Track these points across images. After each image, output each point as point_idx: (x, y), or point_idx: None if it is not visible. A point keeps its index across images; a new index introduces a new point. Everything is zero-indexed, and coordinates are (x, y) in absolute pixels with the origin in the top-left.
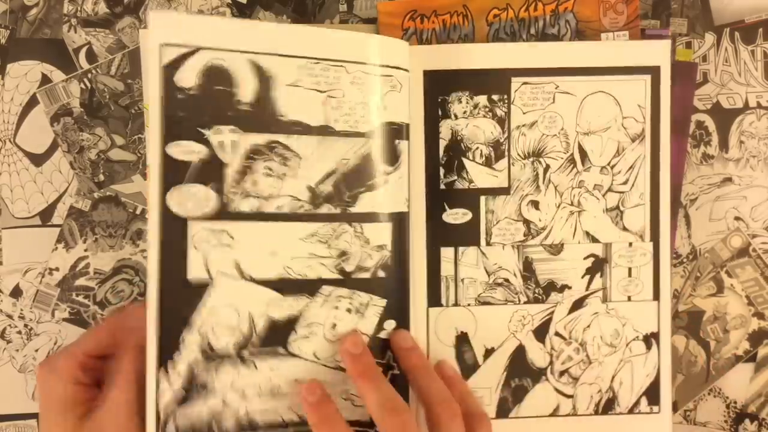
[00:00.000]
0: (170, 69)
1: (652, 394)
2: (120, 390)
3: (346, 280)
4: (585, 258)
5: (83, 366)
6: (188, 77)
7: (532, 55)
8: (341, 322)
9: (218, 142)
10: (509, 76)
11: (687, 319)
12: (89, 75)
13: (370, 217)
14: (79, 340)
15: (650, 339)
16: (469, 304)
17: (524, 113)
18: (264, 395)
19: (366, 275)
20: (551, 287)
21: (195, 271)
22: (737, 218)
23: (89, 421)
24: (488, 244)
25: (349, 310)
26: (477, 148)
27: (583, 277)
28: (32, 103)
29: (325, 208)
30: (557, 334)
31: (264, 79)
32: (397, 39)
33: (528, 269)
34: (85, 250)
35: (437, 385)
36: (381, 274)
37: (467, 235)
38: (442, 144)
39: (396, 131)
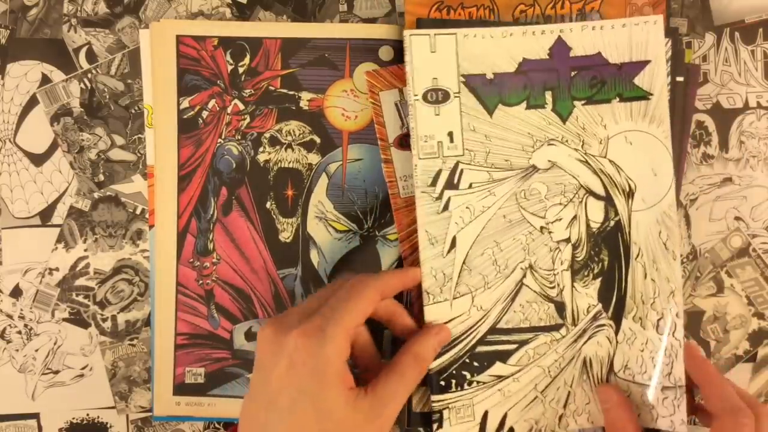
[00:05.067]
0: None
1: None
2: (398, 409)
3: None
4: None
5: (350, 339)
6: None
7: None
8: None
9: None
10: None
11: (687, 319)
12: (89, 75)
13: None
14: (343, 308)
15: None
16: None
17: None
18: None
19: None
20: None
21: None
22: (737, 218)
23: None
24: None
25: None
26: None
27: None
28: (32, 103)
29: None
30: None
31: None
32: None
33: None
34: (85, 250)
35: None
36: None
37: None
38: None
39: None
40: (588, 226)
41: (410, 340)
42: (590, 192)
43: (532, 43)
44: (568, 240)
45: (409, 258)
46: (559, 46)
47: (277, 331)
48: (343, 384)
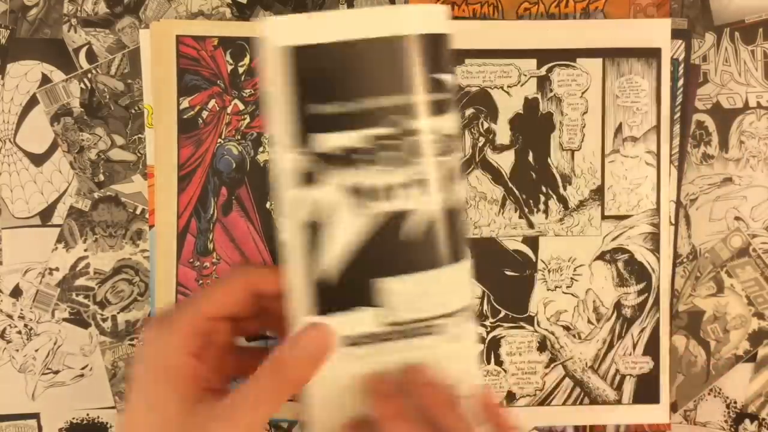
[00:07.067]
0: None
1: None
2: (250, 423)
3: None
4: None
5: (203, 332)
6: None
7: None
8: None
9: None
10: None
11: (687, 319)
12: (89, 75)
13: None
14: (200, 298)
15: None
16: None
17: None
18: None
19: None
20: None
21: None
22: (737, 218)
23: (200, 420)
24: None
25: None
26: None
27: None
28: (32, 103)
29: None
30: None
31: None
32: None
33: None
34: (85, 250)
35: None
36: None
37: None
38: None
39: None
40: None
41: (281, 344)
42: None
43: None
44: None
45: None
46: None
47: (145, 322)
48: (179, 380)
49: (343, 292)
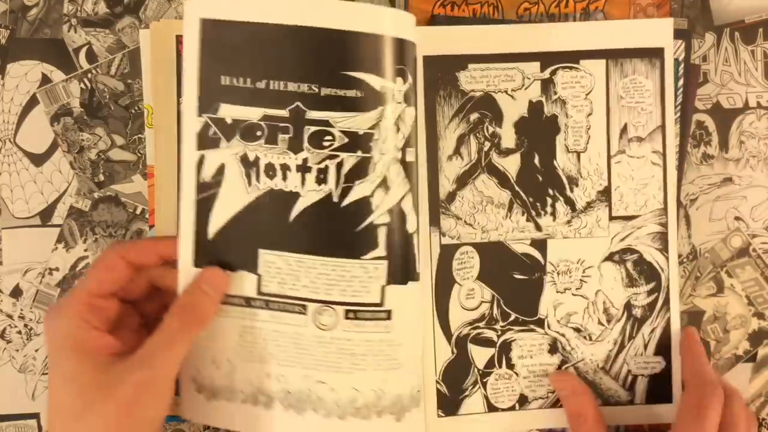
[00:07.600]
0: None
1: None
2: (166, 362)
3: None
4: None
5: (92, 308)
6: None
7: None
8: None
9: None
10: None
11: (687, 319)
12: (89, 75)
13: None
14: (82, 280)
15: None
16: None
17: None
18: None
19: None
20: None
21: None
22: (737, 218)
23: (118, 381)
24: None
25: None
26: None
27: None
28: (32, 103)
29: None
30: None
31: None
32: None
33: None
34: (85, 250)
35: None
36: None
37: None
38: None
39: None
40: None
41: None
42: None
43: None
44: None
45: None
46: None
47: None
48: (87, 349)
49: (225, 253)
